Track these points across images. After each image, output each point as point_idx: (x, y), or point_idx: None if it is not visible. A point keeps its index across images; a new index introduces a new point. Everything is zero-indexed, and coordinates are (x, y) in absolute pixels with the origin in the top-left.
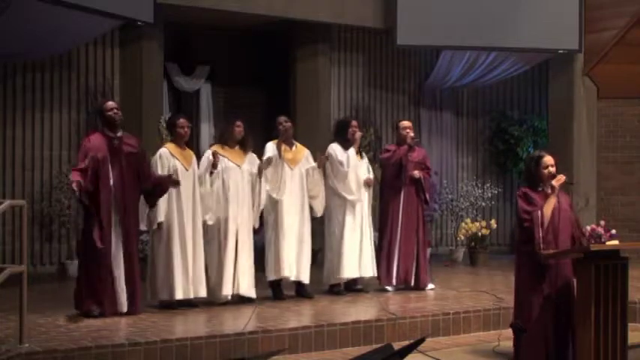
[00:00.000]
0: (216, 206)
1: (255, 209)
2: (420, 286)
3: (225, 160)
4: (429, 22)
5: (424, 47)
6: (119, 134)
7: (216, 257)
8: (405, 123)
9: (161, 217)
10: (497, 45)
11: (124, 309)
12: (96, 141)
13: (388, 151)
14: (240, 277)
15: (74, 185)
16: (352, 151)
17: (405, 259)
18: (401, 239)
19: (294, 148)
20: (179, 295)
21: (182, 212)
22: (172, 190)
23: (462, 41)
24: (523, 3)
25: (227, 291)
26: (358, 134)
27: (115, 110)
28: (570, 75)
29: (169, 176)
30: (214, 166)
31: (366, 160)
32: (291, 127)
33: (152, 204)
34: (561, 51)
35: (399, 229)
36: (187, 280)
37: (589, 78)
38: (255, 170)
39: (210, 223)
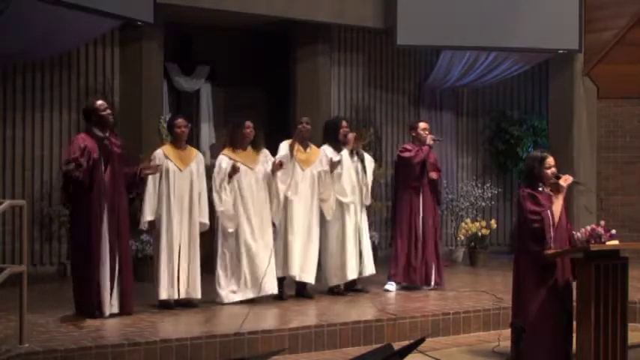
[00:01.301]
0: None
1: (273, 208)
2: (441, 284)
3: (239, 163)
4: (429, 22)
5: (424, 47)
6: (107, 134)
7: (232, 259)
8: (423, 124)
9: (148, 217)
10: (497, 45)
11: (112, 309)
12: (87, 142)
13: (409, 150)
14: (265, 277)
15: (73, 160)
16: (345, 152)
17: (429, 258)
18: (424, 239)
19: (308, 149)
20: (163, 295)
21: (171, 212)
22: (163, 190)
23: (462, 41)
24: (523, 3)
25: (247, 292)
26: (350, 135)
27: (108, 110)
28: (570, 75)
29: (141, 166)
30: (230, 176)
31: (369, 158)
32: (308, 130)
33: (131, 193)
34: (561, 51)
35: (422, 229)
36: (172, 282)
37: (589, 78)
38: (269, 169)
39: (230, 230)
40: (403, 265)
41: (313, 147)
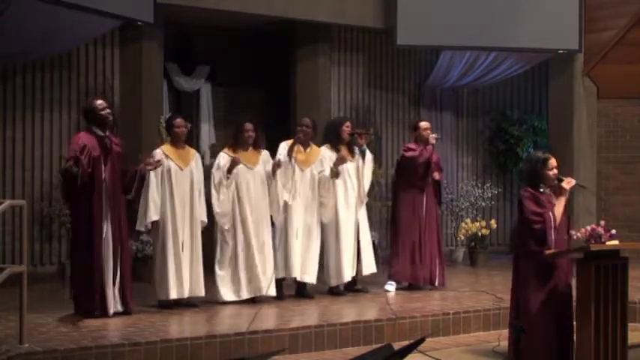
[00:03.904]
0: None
1: (274, 208)
2: (443, 285)
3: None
4: (429, 22)
5: (424, 47)
6: (107, 133)
7: (231, 258)
8: (425, 124)
9: (153, 217)
10: (498, 45)
11: (112, 309)
12: (88, 140)
13: (413, 149)
14: (262, 277)
15: (73, 158)
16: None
17: (432, 258)
18: (426, 239)
19: (308, 149)
20: (173, 295)
21: (175, 212)
22: (167, 190)
23: (462, 41)
24: (523, 3)
25: (243, 292)
26: (345, 130)
27: (107, 110)
28: (570, 75)
29: (143, 161)
30: (229, 171)
31: (369, 157)
32: (308, 134)
33: (129, 192)
34: (561, 51)
35: (425, 229)
36: (181, 280)
37: (589, 78)
38: (269, 169)
39: (226, 227)
40: (405, 264)
41: (314, 147)
